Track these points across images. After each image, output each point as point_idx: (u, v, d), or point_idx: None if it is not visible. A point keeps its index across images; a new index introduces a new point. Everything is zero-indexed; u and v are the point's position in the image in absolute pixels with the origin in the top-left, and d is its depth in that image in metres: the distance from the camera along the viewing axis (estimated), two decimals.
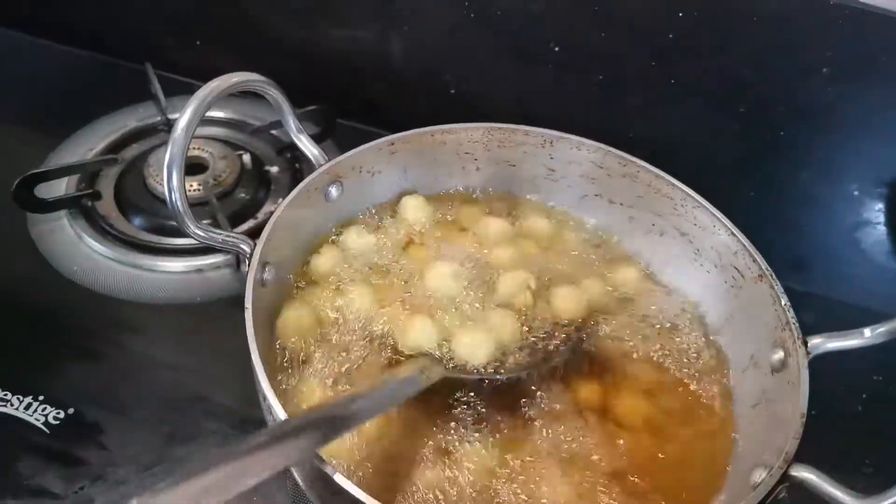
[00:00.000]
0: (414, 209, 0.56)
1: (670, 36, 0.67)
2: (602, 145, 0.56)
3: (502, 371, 0.47)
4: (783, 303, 0.46)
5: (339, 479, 0.35)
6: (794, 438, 0.39)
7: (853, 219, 0.73)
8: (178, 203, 0.43)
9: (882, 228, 0.73)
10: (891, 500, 0.34)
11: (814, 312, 0.59)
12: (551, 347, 0.49)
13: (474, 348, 0.48)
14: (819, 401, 0.44)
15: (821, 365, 0.46)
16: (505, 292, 0.52)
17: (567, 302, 0.52)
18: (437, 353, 0.48)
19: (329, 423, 0.36)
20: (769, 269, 0.48)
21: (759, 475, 0.40)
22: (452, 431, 0.45)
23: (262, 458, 0.31)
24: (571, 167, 0.58)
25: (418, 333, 0.49)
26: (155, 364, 0.59)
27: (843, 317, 0.68)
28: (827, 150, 0.70)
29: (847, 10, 0.61)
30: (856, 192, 0.72)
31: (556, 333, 0.50)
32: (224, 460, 0.30)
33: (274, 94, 0.48)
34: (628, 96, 0.73)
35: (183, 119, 0.42)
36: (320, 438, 0.35)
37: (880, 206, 0.72)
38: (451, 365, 0.48)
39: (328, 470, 0.35)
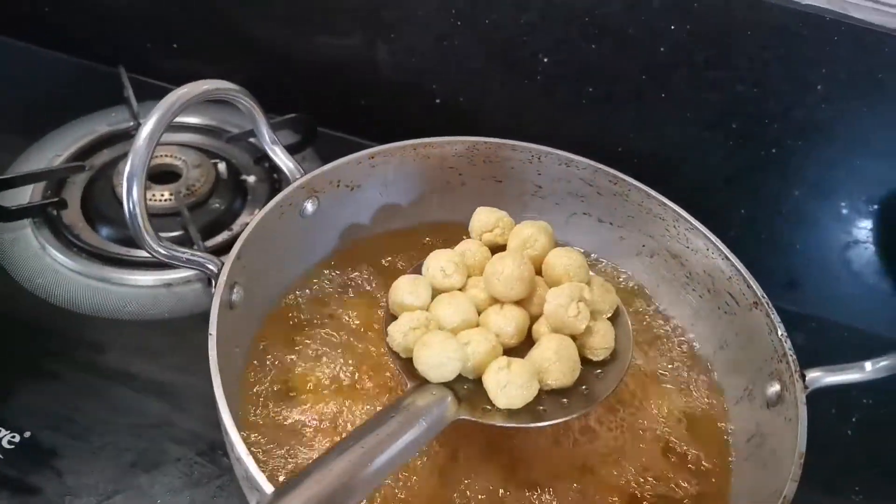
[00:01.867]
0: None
1: (662, 49, 0.66)
2: (592, 162, 0.54)
3: (545, 415, 0.40)
4: (780, 333, 0.44)
5: None
6: (793, 481, 0.37)
7: (844, 238, 0.72)
8: (139, 220, 0.40)
9: (872, 248, 0.72)
10: None
11: (804, 333, 0.58)
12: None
13: (517, 388, 0.39)
14: (810, 425, 0.43)
15: (812, 393, 0.44)
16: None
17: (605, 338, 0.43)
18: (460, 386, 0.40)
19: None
20: (765, 296, 0.46)
21: None
22: None
23: None
24: (560, 184, 0.56)
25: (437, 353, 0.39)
26: (119, 385, 0.56)
27: (833, 337, 0.68)
28: (821, 168, 0.69)
29: (843, 26, 0.60)
30: (845, 211, 0.71)
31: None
32: None
33: (247, 103, 0.46)
34: (619, 110, 0.72)
35: (146, 128, 0.39)
36: None
37: (872, 226, 0.71)
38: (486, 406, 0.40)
39: None
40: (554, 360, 0.39)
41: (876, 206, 0.70)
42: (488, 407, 0.39)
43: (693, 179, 0.72)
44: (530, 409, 0.39)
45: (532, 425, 0.39)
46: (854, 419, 0.63)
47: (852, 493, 0.55)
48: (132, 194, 0.40)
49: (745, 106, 0.68)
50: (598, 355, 0.42)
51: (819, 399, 0.59)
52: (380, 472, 0.34)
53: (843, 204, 0.71)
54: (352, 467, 0.33)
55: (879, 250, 0.72)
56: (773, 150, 0.70)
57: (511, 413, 0.39)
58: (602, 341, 0.42)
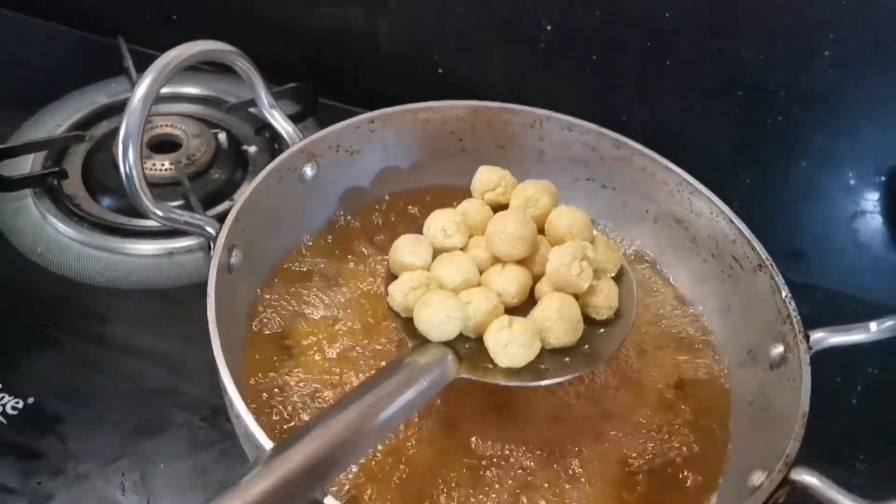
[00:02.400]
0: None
1: (667, 16, 0.65)
2: (595, 126, 0.54)
3: (546, 374, 0.40)
4: (784, 295, 0.43)
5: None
6: (796, 440, 0.36)
7: (852, 208, 0.71)
8: (136, 182, 0.40)
9: (879, 218, 0.71)
10: None
11: (810, 303, 0.57)
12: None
13: (519, 347, 0.38)
14: (814, 394, 0.42)
15: (816, 357, 0.43)
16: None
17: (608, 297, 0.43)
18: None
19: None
20: (769, 258, 0.46)
21: (758, 478, 0.37)
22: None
23: None
24: (562, 149, 0.55)
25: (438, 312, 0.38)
26: (121, 352, 0.56)
27: (839, 307, 0.68)
28: (827, 137, 0.69)
29: None
30: (853, 181, 0.70)
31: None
32: None
33: (243, 64, 0.45)
34: (623, 79, 0.71)
35: (140, 88, 0.39)
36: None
37: (879, 196, 0.70)
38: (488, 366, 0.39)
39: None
40: (556, 319, 0.39)
41: (883, 177, 0.69)
42: (489, 366, 0.39)
43: (698, 149, 0.71)
44: (532, 368, 0.39)
45: (533, 384, 0.39)
46: (860, 389, 0.62)
47: (857, 460, 0.55)
48: (128, 156, 0.40)
49: (750, 74, 0.67)
50: (601, 315, 0.42)
51: (825, 369, 0.59)
52: (380, 429, 0.34)
53: (850, 174, 0.70)
54: (351, 424, 0.33)
55: (886, 220, 0.71)
56: (780, 119, 0.69)
57: (512, 372, 0.39)
58: (605, 301, 0.41)
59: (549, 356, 0.40)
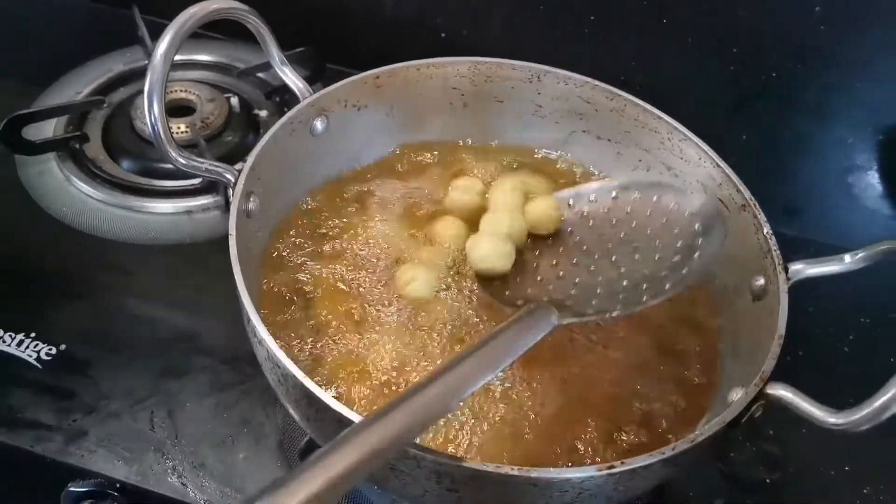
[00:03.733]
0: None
1: None
2: (589, 79, 0.56)
3: (618, 308, 0.44)
4: (765, 231, 0.46)
5: (320, 393, 0.35)
6: (772, 359, 0.39)
7: (845, 163, 0.73)
8: (161, 131, 0.43)
9: (874, 173, 0.73)
10: (862, 414, 0.34)
11: (805, 256, 0.59)
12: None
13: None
14: (805, 341, 0.44)
15: (808, 298, 0.45)
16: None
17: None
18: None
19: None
20: (752, 198, 0.48)
21: (737, 394, 0.40)
22: None
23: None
24: (559, 102, 0.58)
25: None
26: (145, 303, 0.60)
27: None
28: (820, 93, 0.70)
29: None
30: (850, 139, 0.72)
31: None
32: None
33: (256, 22, 0.48)
34: (621, 38, 0.73)
35: (161, 45, 0.42)
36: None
37: (873, 150, 0.72)
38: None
39: (311, 388, 0.36)
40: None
41: (876, 131, 0.71)
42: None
43: (694, 106, 0.71)
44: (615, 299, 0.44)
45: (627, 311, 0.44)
46: (851, 337, 0.64)
47: (846, 404, 0.57)
48: (153, 108, 0.43)
49: (744, 30, 0.69)
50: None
51: (818, 315, 0.61)
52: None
53: (843, 129, 0.71)
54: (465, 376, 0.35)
55: (881, 175, 0.73)
56: (774, 75, 0.70)
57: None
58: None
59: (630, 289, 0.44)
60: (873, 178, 0.73)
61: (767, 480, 0.54)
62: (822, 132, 0.72)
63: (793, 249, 0.48)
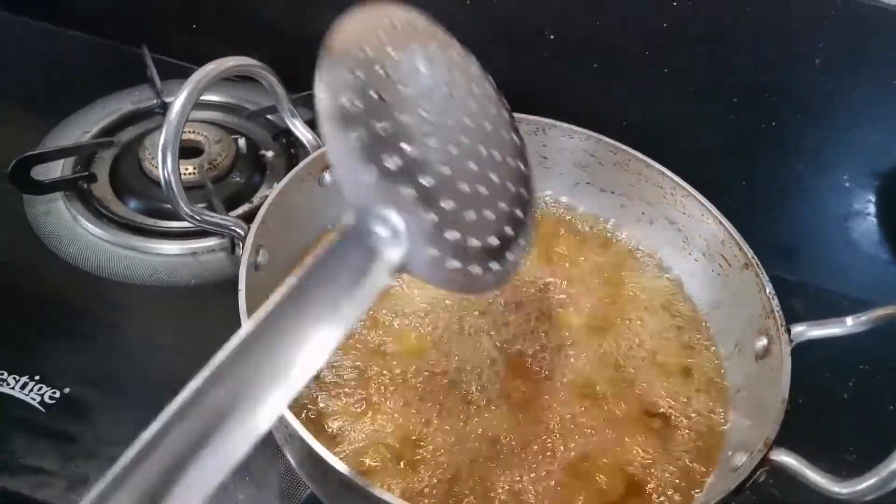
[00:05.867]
0: None
1: (664, 24, 0.68)
2: (594, 133, 0.57)
3: None
4: (768, 291, 0.47)
5: (327, 455, 0.35)
6: (775, 423, 0.39)
7: (844, 209, 0.74)
8: (174, 186, 0.43)
9: (872, 219, 0.74)
10: (867, 484, 0.34)
11: (802, 301, 0.60)
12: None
13: None
14: (806, 389, 0.45)
15: (808, 353, 0.46)
16: None
17: None
18: None
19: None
20: (755, 257, 0.49)
21: (740, 459, 0.40)
22: None
23: None
24: (563, 155, 0.58)
25: None
26: (149, 346, 0.59)
27: (831, 306, 0.70)
28: (818, 140, 0.71)
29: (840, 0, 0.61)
30: (847, 183, 0.73)
31: None
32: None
33: (268, 78, 0.49)
34: (622, 84, 0.74)
35: (178, 102, 0.42)
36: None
37: (871, 196, 0.73)
38: None
39: (318, 449, 0.36)
40: None
41: (875, 178, 0.72)
42: None
43: (693, 152, 0.73)
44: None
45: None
46: (851, 384, 0.64)
47: (846, 452, 0.56)
48: (167, 163, 0.44)
49: (744, 79, 0.70)
50: None
51: (817, 364, 0.61)
52: None
53: (842, 175, 0.72)
54: None
55: (879, 220, 0.73)
56: (773, 123, 0.71)
57: None
58: None
59: None
60: (871, 224, 0.74)
61: None
62: (821, 178, 0.73)
63: (790, 294, 0.48)
